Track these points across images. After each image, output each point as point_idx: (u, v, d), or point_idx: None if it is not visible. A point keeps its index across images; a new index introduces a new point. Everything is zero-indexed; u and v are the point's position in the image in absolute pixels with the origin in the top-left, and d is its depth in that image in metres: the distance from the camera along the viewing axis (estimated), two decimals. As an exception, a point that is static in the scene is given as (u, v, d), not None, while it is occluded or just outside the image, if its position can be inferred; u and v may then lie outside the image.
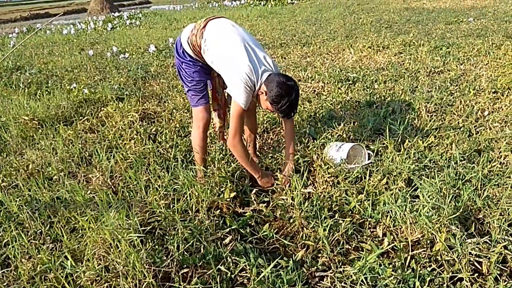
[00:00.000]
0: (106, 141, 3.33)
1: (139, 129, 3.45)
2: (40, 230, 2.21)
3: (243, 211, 2.36)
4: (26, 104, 4.17)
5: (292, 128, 2.59)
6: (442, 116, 3.48)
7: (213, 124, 2.86)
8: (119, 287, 1.76)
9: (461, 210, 2.05)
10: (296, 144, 2.89)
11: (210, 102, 2.58)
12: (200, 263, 1.87)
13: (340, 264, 1.88)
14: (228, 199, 2.32)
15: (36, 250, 2.01)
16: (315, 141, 2.90)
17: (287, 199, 2.32)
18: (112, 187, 2.65)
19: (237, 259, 1.87)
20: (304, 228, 2.11)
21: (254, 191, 2.43)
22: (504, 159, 2.71)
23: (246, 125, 2.84)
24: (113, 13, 16.89)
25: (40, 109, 4.01)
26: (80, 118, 3.91)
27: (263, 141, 3.30)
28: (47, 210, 2.34)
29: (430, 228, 1.93)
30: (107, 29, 11.38)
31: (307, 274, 1.85)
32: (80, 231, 2.15)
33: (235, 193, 2.36)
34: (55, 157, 3.07)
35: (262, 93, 2.28)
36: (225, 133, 2.94)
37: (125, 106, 4.02)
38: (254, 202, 2.37)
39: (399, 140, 2.93)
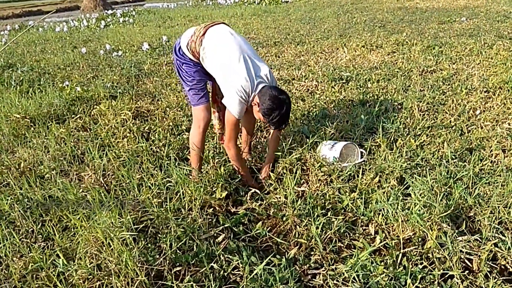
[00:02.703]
0: (98, 139, 3.31)
1: (132, 127, 3.43)
2: (31, 229, 2.20)
3: (236, 210, 2.36)
4: (18, 102, 4.14)
5: (278, 136, 2.66)
6: (434, 115, 3.50)
7: (213, 126, 2.88)
8: (111, 285, 1.75)
9: (452, 208, 2.07)
10: (290, 142, 2.90)
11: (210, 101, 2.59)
12: (193, 261, 1.87)
13: (333, 261, 1.90)
14: (221, 198, 2.32)
15: (28, 249, 2.00)
16: (308, 139, 2.91)
17: (280, 197, 2.32)
18: (105, 185, 2.64)
19: (230, 257, 1.87)
20: (297, 226, 2.12)
21: (250, 193, 2.43)
22: (495, 158, 2.74)
23: (244, 126, 2.85)
24: (106, 11, 16.78)
25: (32, 107, 3.98)
26: (73, 116, 3.89)
27: (257, 139, 3.31)
28: (39, 208, 2.33)
29: (421, 226, 1.95)
30: (100, 27, 11.30)
31: (300, 271, 1.86)
32: (72, 230, 2.14)
33: (226, 192, 2.36)
34: (47, 156, 3.05)
35: (255, 104, 2.31)
36: (224, 135, 2.95)
37: (118, 104, 4.00)
38: (248, 201, 2.37)
39: (392, 138, 2.95)
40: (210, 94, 2.63)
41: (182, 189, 2.32)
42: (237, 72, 2.26)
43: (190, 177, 2.51)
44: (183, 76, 2.49)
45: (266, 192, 2.50)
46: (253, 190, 2.44)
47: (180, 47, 2.44)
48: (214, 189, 2.36)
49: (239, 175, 2.57)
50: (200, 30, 2.38)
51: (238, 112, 2.29)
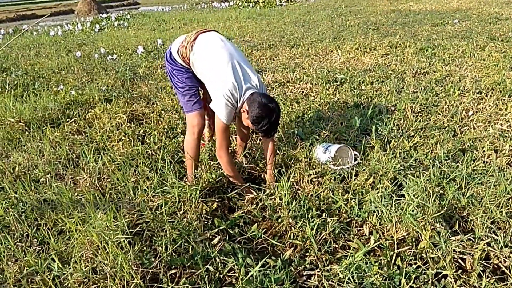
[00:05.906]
0: (93, 143, 3.31)
1: (127, 131, 3.43)
2: (26, 233, 2.19)
3: (232, 216, 2.36)
4: (12, 106, 4.12)
5: (272, 144, 2.53)
6: (428, 116, 3.53)
7: (203, 135, 2.87)
8: (107, 288, 1.75)
9: (445, 208, 2.09)
10: (285, 144, 2.91)
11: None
12: (189, 264, 1.88)
13: (328, 262, 1.90)
14: (215, 209, 2.33)
15: (23, 253, 2.00)
16: (303, 141, 2.92)
17: (275, 199, 2.33)
18: (100, 189, 2.63)
19: (226, 259, 1.88)
20: (292, 228, 2.13)
21: (247, 197, 2.42)
22: (487, 158, 2.77)
23: (239, 132, 2.86)
24: (101, 14, 16.74)
25: (27, 111, 3.97)
26: (67, 120, 3.88)
27: (252, 141, 3.31)
28: (34, 212, 2.32)
29: (415, 226, 1.97)
30: (95, 31, 11.29)
31: (295, 273, 1.86)
32: (67, 233, 2.14)
33: (216, 204, 2.36)
34: (42, 159, 3.04)
35: (244, 111, 2.29)
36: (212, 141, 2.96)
37: (113, 108, 3.99)
38: (245, 205, 2.37)
39: (385, 140, 2.97)
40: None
41: (177, 191, 2.32)
42: (225, 76, 2.24)
43: (186, 181, 2.51)
44: (175, 83, 2.50)
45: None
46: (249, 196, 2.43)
47: (171, 53, 2.46)
48: (207, 198, 2.36)
49: (234, 183, 2.52)
50: (191, 36, 2.40)
51: (225, 116, 2.26)
